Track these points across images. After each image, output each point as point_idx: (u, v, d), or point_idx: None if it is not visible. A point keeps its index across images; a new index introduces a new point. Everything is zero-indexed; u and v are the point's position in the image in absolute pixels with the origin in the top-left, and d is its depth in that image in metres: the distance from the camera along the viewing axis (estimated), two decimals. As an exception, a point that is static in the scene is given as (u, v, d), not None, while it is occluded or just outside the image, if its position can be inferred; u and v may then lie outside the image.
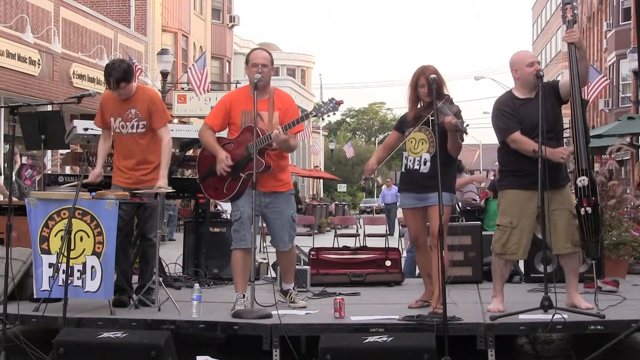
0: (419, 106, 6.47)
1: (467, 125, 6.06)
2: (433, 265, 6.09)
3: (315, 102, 59.86)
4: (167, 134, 6.79)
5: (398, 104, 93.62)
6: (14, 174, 13.16)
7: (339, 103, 6.44)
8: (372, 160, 6.71)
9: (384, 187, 30.11)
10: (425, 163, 6.25)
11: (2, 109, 13.15)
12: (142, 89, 6.92)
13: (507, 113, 6.19)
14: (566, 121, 6.71)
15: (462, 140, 6.31)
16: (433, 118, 5.99)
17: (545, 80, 6.19)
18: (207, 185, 6.67)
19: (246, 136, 6.39)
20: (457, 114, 6.16)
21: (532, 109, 6.04)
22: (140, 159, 6.70)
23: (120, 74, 6.57)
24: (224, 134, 6.68)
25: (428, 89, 6.22)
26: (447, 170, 6.22)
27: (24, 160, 17.00)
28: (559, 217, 6.12)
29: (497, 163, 6.84)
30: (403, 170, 6.49)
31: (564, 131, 6.58)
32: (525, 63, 6.21)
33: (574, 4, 6.27)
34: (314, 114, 6.63)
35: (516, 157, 6.17)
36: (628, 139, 16.52)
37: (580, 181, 6.00)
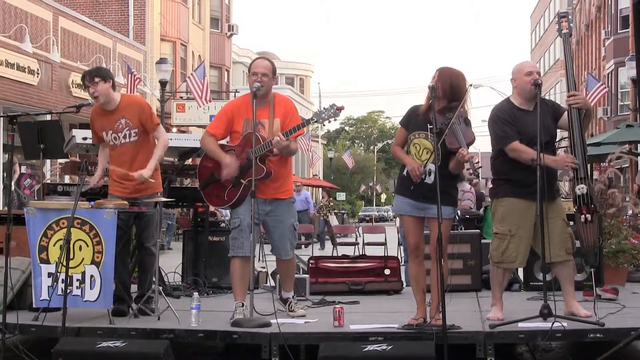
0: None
1: (480, 167, 5.84)
2: (432, 276, 5.99)
3: (314, 110, 59.94)
4: (162, 133, 6.81)
5: (397, 113, 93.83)
6: (13, 183, 13.14)
7: (340, 109, 6.41)
8: (414, 163, 6.01)
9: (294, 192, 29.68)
10: (430, 174, 5.98)
11: (1, 118, 13.18)
12: (127, 98, 6.90)
13: (506, 121, 6.16)
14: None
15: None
16: (440, 127, 5.81)
17: (543, 89, 6.17)
18: (209, 193, 6.66)
19: (247, 143, 6.38)
20: (470, 143, 5.96)
21: (531, 120, 6.02)
22: (134, 167, 6.64)
23: (94, 70, 6.69)
24: (224, 142, 6.68)
25: (428, 97, 5.92)
26: (452, 183, 6.17)
27: (23, 169, 16.97)
28: (553, 225, 6.11)
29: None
30: (405, 174, 6.13)
31: (563, 140, 6.57)
32: (524, 72, 6.20)
33: (570, 17, 6.28)
34: (315, 119, 6.60)
35: (513, 167, 6.15)
36: (627, 147, 16.50)
37: (579, 189, 6.02)
